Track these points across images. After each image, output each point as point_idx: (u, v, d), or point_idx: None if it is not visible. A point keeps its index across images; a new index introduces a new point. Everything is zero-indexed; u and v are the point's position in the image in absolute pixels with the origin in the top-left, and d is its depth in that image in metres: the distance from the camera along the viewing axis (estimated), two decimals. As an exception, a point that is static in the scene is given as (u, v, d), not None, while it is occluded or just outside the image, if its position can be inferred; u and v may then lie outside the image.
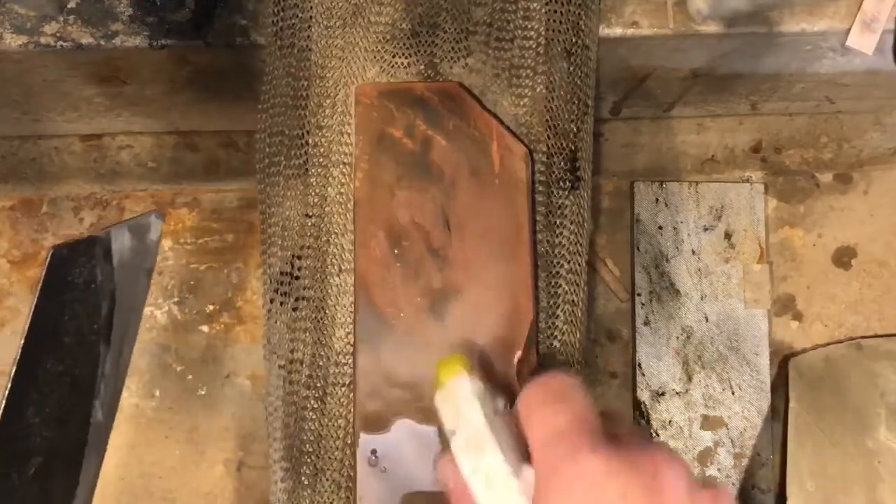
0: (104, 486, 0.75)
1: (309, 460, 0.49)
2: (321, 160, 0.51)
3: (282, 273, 0.51)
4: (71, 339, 0.41)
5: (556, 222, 0.51)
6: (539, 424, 0.32)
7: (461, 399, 0.35)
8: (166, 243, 0.77)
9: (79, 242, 0.45)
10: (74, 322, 0.42)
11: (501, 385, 0.47)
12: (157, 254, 0.47)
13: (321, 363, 0.50)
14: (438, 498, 0.46)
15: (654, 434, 0.74)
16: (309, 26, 0.52)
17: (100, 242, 0.44)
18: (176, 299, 0.77)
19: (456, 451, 0.33)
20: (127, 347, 0.43)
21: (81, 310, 0.42)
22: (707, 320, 0.78)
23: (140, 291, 0.45)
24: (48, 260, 0.43)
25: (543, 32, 0.52)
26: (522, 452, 0.32)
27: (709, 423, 0.76)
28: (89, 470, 0.40)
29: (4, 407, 0.40)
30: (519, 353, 0.48)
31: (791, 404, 0.75)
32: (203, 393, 0.76)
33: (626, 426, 0.34)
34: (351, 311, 0.49)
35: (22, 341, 0.41)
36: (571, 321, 0.51)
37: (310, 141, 0.51)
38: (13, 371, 0.40)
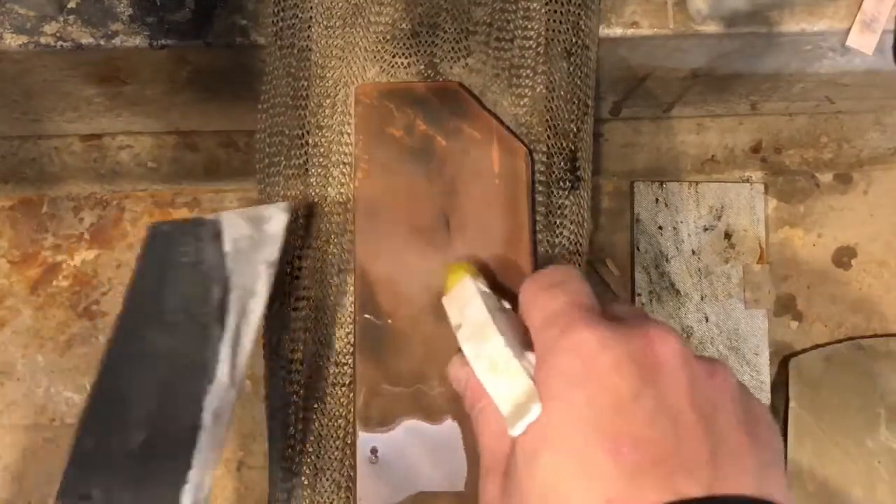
0: (104, 486, 0.75)
1: (309, 460, 0.49)
2: (321, 160, 0.51)
3: (282, 273, 0.51)
4: (177, 316, 0.40)
5: (556, 222, 0.51)
6: (537, 311, 0.33)
7: (466, 297, 0.37)
8: (166, 243, 0.77)
9: (182, 222, 0.45)
10: (180, 300, 0.41)
11: None
12: (280, 245, 0.44)
13: (321, 363, 0.50)
14: (443, 499, 0.46)
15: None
16: (309, 26, 0.52)
17: (207, 225, 0.43)
18: (176, 299, 0.77)
19: (462, 343, 0.35)
20: (247, 337, 0.41)
21: (188, 289, 0.41)
22: (707, 320, 0.78)
23: (259, 282, 0.43)
24: (147, 235, 0.43)
25: (543, 32, 0.52)
26: (525, 342, 0.33)
27: (709, 423, 0.76)
28: (205, 456, 0.37)
29: (101, 372, 0.39)
30: (519, 353, 0.48)
31: (791, 404, 0.75)
32: (203, 393, 0.76)
33: (623, 305, 0.34)
34: (351, 311, 0.49)
35: (120, 312, 0.40)
36: (571, 321, 0.51)
37: (310, 141, 0.51)
38: (110, 339, 0.40)
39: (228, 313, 0.41)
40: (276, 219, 0.45)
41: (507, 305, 0.38)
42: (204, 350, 0.40)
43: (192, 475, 0.36)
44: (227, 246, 0.43)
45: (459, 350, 0.36)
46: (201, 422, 0.38)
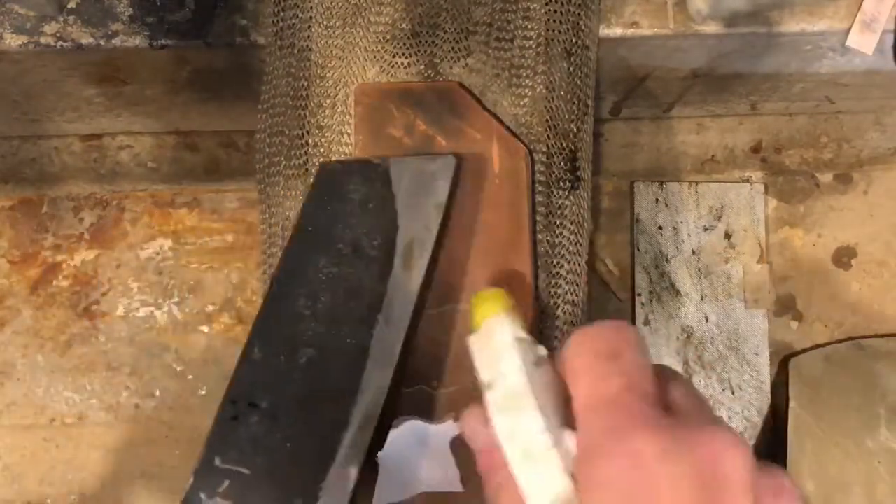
0: (103, 487, 0.75)
1: (309, 460, 0.49)
2: (321, 160, 0.51)
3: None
4: (346, 247, 0.41)
5: (556, 222, 0.51)
6: (586, 386, 0.28)
7: (500, 346, 0.31)
8: (166, 243, 0.77)
9: (351, 161, 0.46)
10: (349, 232, 0.42)
11: None
12: (448, 190, 0.45)
13: (321, 363, 0.50)
14: (443, 499, 0.46)
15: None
16: (309, 26, 0.52)
17: (375, 167, 0.44)
18: (176, 299, 0.77)
19: (491, 409, 0.30)
20: (417, 274, 0.41)
21: (357, 223, 0.42)
22: (707, 320, 0.78)
23: (428, 223, 0.43)
24: (318, 172, 0.45)
25: (543, 32, 0.52)
26: (565, 412, 0.29)
27: (709, 423, 0.76)
28: (372, 381, 0.37)
29: (271, 291, 0.40)
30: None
31: (791, 404, 0.75)
32: (203, 393, 0.76)
33: (682, 387, 0.29)
34: (351, 311, 0.49)
35: (290, 239, 0.42)
36: (571, 321, 0.51)
37: (310, 141, 0.51)
38: (281, 260, 0.41)
39: (398, 250, 0.42)
40: (444, 168, 0.45)
41: (544, 353, 0.32)
42: (372, 281, 0.41)
43: (361, 398, 0.36)
44: (396, 186, 0.44)
45: (479, 400, 0.31)
46: (369, 347, 0.38)
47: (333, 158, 0.49)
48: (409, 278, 0.41)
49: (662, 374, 0.29)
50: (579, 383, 0.28)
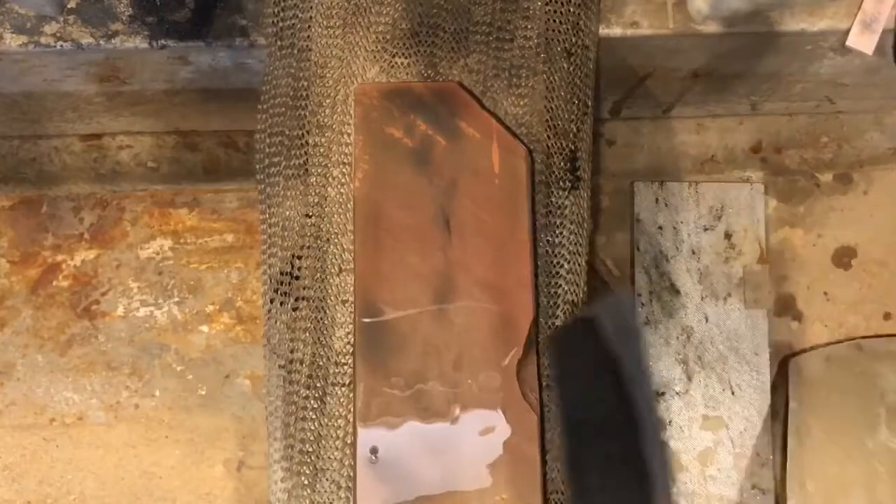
0: (103, 487, 0.75)
1: (309, 460, 0.49)
2: (321, 160, 0.51)
3: (282, 273, 0.51)
4: (611, 419, 0.44)
5: (555, 222, 0.51)
6: None
7: None
8: (166, 243, 0.78)
9: (577, 321, 0.48)
10: (609, 405, 0.45)
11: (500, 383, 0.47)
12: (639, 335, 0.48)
13: (321, 363, 0.50)
14: (442, 500, 0.46)
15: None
16: (309, 26, 0.52)
17: (588, 322, 0.47)
18: (176, 299, 0.77)
19: None
20: (651, 428, 0.44)
21: (605, 393, 0.45)
22: (707, 320, 0.78)
23: (638, 374, 0.46)
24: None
25: (543, 32, 0.52)
26: None
27: (709, 423, 0.76)
28: None
29: (570, 470, 0.44)
30: (519, 353, 0.48)
31: (791, 404, 0.75)
32: (203, 393, 0.76)
33: None
34: (351, 311, 0.49)
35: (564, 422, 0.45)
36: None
37: (310, 141, 0.52)
38: (563, 450, 0.45)
39: (634, 407, 0.44)
40: (629, 307, 0.48)
41: None
42: (636, 447, 0.43)
43: None
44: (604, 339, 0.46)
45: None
46: None
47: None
48: (654, 432, 0.44)
49: None
50: None
